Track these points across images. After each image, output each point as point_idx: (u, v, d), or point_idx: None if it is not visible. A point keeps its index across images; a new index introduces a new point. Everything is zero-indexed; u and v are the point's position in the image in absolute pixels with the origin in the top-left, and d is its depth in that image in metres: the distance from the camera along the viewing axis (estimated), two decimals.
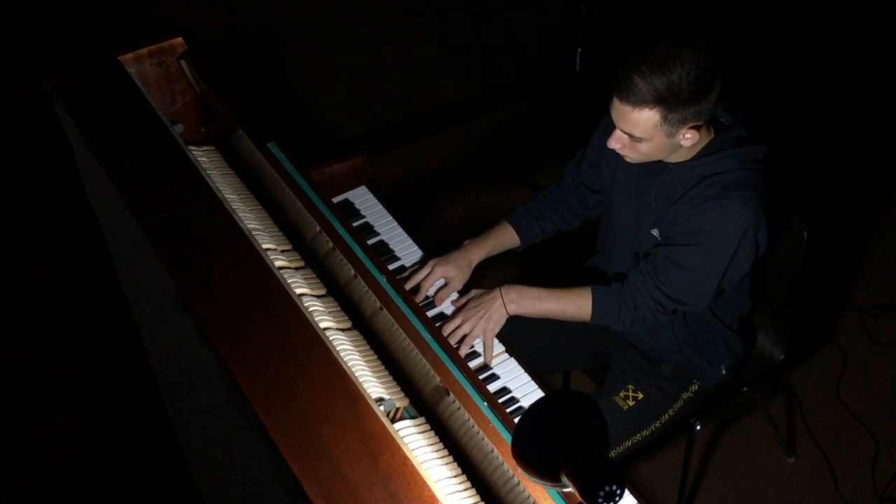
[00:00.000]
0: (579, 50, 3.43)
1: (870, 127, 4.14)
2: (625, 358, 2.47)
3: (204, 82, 2.33)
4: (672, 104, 1.97)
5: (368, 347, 1.92)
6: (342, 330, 1.92)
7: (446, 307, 2.32)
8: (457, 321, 2.21)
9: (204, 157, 2.30)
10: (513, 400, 2.14)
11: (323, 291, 2.01)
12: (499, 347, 2.24)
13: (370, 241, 2.44)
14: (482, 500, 1.69)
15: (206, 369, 1.77)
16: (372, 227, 2.51)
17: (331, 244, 2.04)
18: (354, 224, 2.46)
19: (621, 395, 2.41)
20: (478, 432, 1.69)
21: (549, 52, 4.41)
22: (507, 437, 1.67)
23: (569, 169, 2.46)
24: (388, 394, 1.81)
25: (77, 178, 2.42)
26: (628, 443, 2.40)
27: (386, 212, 2.55)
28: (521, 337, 2.35)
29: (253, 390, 1.61)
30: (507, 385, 2.17)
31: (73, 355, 3.26)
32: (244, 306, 1.78)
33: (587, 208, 2.47)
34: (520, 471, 1.44)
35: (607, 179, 2.34)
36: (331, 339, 1.80)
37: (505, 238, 2.42)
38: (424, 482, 1.53)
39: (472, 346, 2.22)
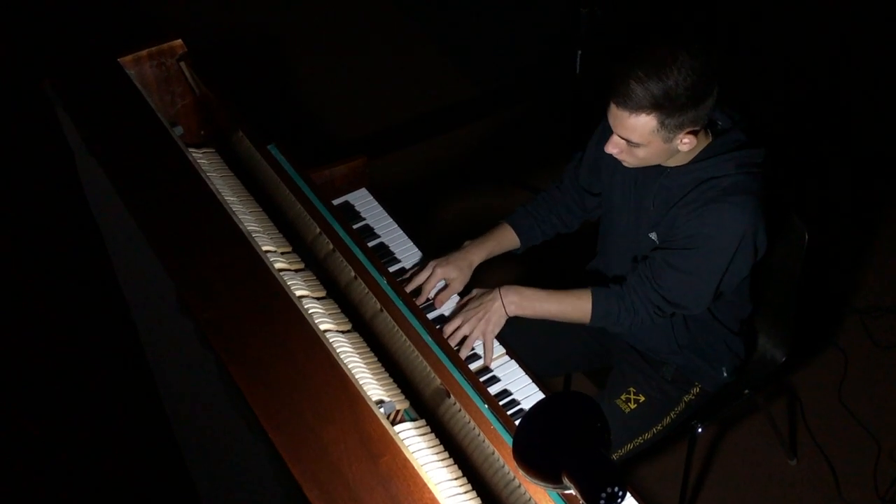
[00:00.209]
0: (580, 52, 3.42)
1: (871, 128, 4.13)
2: (626, 360, 2.47)
3: (204, 84, 2.33)
4: (669, 109, 1.97)
5: (368, 349, 1.91)
6: (342, 332, 1.91)
7: (447, 309, 2.31)
8: (456, 322, 2.20)
9: (204, 160, 2.30)
10: (514, 402, 2.14)
11: (323, 293, 2.00)
12: (499, 349, 2.23)
13: (370, 244, 2.43)
14: (483, 502, 1.68)
15: (205, 371, 1.77)
16: (372, 229, 2.50)
17: (331, 246, 2.04)
18: (354, 226, 2.45)
19: (623, 397, 2.41)
20: (479, 434, 1.69)
21: (549, 54, 4.41)
22: (508, 440, 1.66)
23: (567, 171, 2.46)
24: (389, 396, 1.80)
25: (77, 181, 2.41)
26: (630, 445, 2.40)
27: (386, 214, 2.55)
28: (521, 339, 2.35)
29: (252, 392, 1.61)
30: (508, 387, 2.17)
31: (72, 357, 3.26)
32: (244, 308, 1.78)
33: (586, 211, 2.47)
34: (521, 473, 1.43)
35: (606, 182, 2.33)
36: (331, 341, 1.80)
37: (505, 239, 2.42)
38: (425, 484, 1.53)
39: (473, 349, 2.21)
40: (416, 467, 1.55)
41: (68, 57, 4.29)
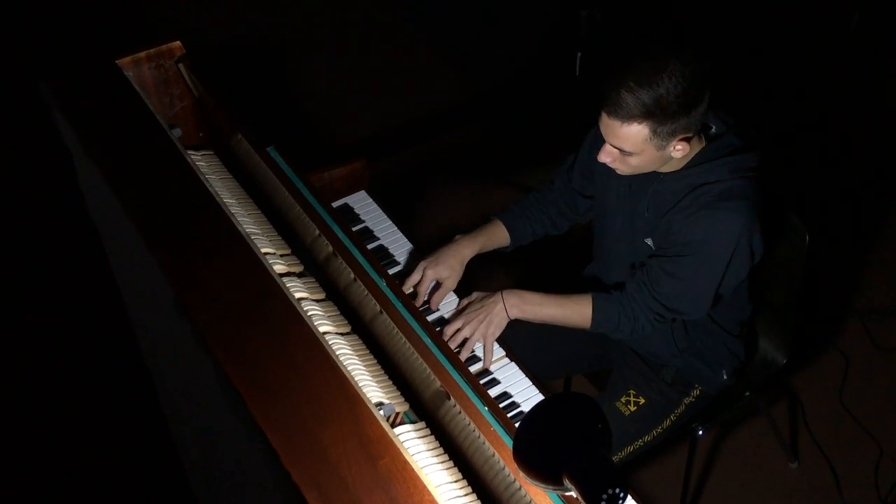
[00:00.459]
0: (579, 54, 3.43)
1: (872, 129, 4.13)
2: (626, 363, 2.46)
3: (202, 86, 2.32)
4: (661, 118, 1.96)
5: (368, 352, 1.91)
6: (341, 334, 1.90)
7: (446, 310, 2.30)
8: (457, 324, 2.19)
9: (202, 162, 2.29)
10: (514, 405, 2.13)
11: (322, 296, 1.99)
12: (499, 352, 2.23)
13: (370, 246, 2.42)
14: None
15: (203, 373, 1.76)
16: (371, 231, 2.49)
17: (330, 248, 2.03)
18: (354, 229, 2.45)
19: (623, 400, 2.40)
20: (479, 437, 1.68)
21: (548, 56, 4.41)
22: (508, 442, 1.65)
23: (559, 173, 2.45)
24: (388, 398, 1.79)
25: (75, 183, 2.41)
26: (630, 448, 2.39)
27: (385, 216, 2.54)
28: (521, 342, 2.34)
29: (251, 394, 1.60)
30: (508, 390, 2.16)
31: (70, 360, 3.26)
32: (242, 310, 1.77)
33: (577, 213, 2.47)
34: (521, 474, 1.42)
35: (600, 186, 2.33)
36: (330, 343, 1.79)
37: (496, 236, 2.41)
38: (425, 487, 1.52)
39: (472, 351, 2.20)
40: (416, 469, 1.54)
41: (66, 58, 4.29)
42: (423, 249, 2.44)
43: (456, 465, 1.72)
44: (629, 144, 2.01)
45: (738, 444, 3.03)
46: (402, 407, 1.80)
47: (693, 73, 1.95)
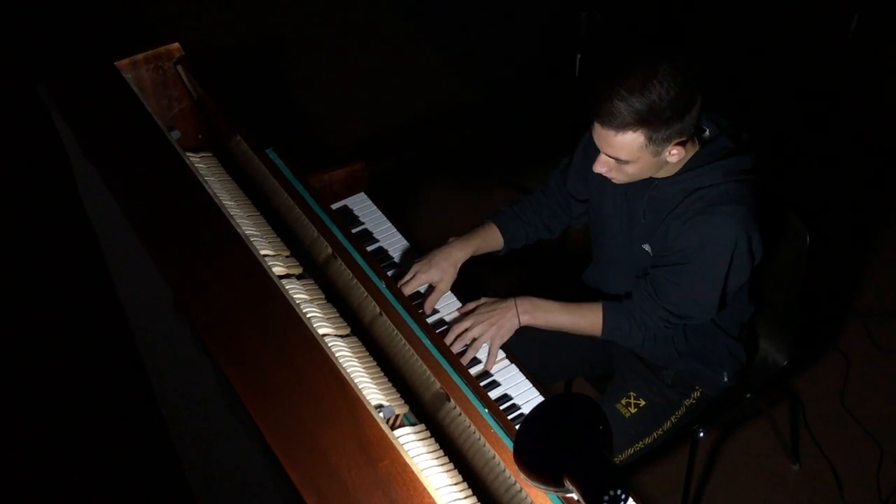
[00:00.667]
0: (579, 55, 3.43)
1: (873, 129, 4.13)
2: (626, 365, 2.45)
3: (201, 87, 2.31)
4: (655, 124, 1.96)
5: (367, 354, 1.90)
6: (341, 336, 1.90)
7: (446, 313, 2.29)
8: (466, 323, 2.19)
9: (201, 164, 2.28)
10: (514, 407, 2.12)
11: (322, 298, 1.99)
12: (500, 354, 2.22)
13: (369, 248, 2.42)
14: None
15: (202, 375, 1.75)
16: (371, 233, 2.49)
17: (330, 250, 2.03)
18: (353, 231, 2.44)
19: (623, 402, 2.40)
20: (479, 438, 1.67)
21: (548, 57, 4.40)
22: (508, 444, 1.65)
23: (554, 177, 2.45)
24: (388, 400, 1.78)
25: (73, 185, 2.40)
26: (631, 450, 2.39)
27: (385, 218, 2.54)
28: (523, 344, 2.33)
29: (250, 396, 1.59)
30: (508, 392, 2.16)
31: (69, 362, 3.25)
32: (241, 312, 1.76)
33: (571, 217, 2.46)
34: (522, 476, 1.41)
35: (595, 191, 2.32)
36: (329, 345, 1.78)
37: (490, 238, 2.41)
38: (425, 489, 1.51)
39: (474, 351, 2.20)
40: (416, 472, 1.54)
41: (65, 60, 4.28)
42: (423, 251, 2.44)
43: (456, 467, 1.71)
44: (625, 153, 2.01)
45: (740, 446, 3.02)
46: (401, 409, 1.80)
47: (684, 77, 1.95)
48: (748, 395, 2.53)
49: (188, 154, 2.23)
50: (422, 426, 1.78)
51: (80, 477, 2.95)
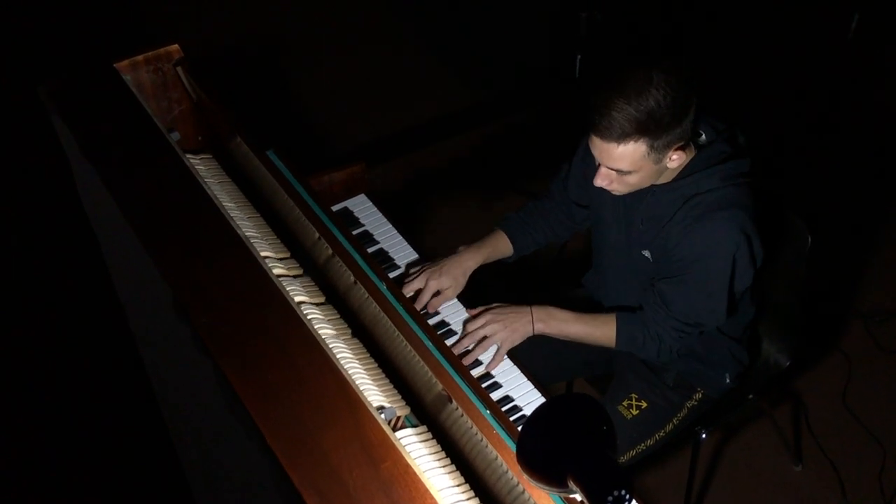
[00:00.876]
0: (579, 56, 3.42)
1: (873, 130, 4.12)
2: (628, 367, 2.45)
3: (201, 89, 2.31)
4: (655, 131, 1.95)
5: (368, 355, 1.89)
6: (342, 338, 1.89)
7: (450, 316, 2.29)
8: (480, 321, 2.19)
9: (201, 166, 2.28)
10: (516, 409, 2.12)
11: (322, 299, 1.98)
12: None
13: (369, 250, 2.41)
14: None
15: (202, 377, 1.74)
16: (371, 235, 2.48)
17: (330, 251, 2.02)
18: (354, 232, 2.44)
19: (625, 403, 2.39)
20: (481, 440, 1.66)
21: (548, 58, 4.40)
22: (511, 445, 1.64)
23: (555, 183, 2.45)
24: (389, 402, 1.78)
25: (73, 187, 2.40)
26: (632, 452, 2.38)
27: (385, 220, 2.53)
28: (524, 345, 2.32)
29: (251, 398, 1.58)
30: (510, 393, 2.15)
31: (69, 363, 3.25)
32: (242, 314, 1.75)
33: (575, 223, 2.46)
34: (525, 477, 1.41)
35: (595, 197, 2.32)
36: (330, 346, 1.78)
37: (500, 246, 2.41)
38: (427, 491, 1.50)
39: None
40: (418, 473, 1.53)
41: (64, 62, 4.28)
42: (423, 253, 2.44)
43: (458, 469, 1.70)
44: (627, 163, 2.00)
45: (742, 448, 3.01)
46: (403, 411, 1.79)
47: (678, 82, 1.94)
48: (750, 396, 2.52)
49: (188, 156, 2.22)
50: (423, 427, 1.77)
51: (80, 477, 2.95)
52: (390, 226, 2.51)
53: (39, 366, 3.25)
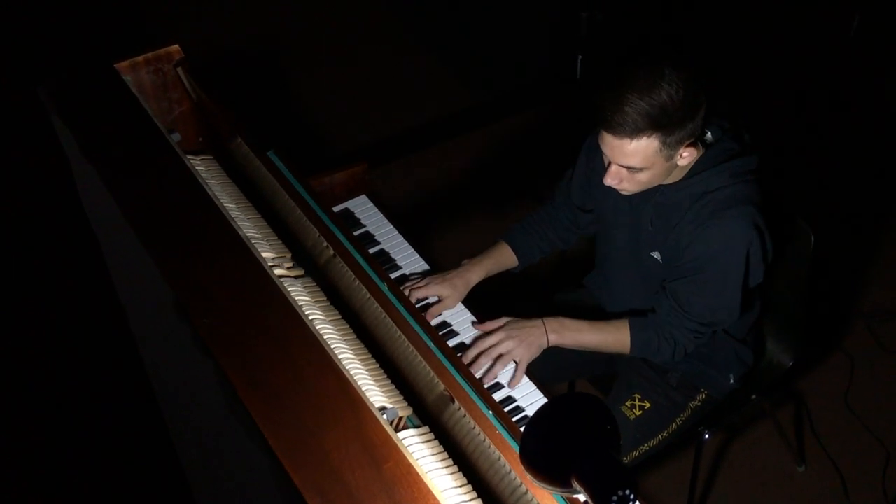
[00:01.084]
0: (580, 57, 3.41)
1: (875, 130, 4.12)
2: (631, 367, 2.44)
3: (201, 90, 2.30)
4: (668, 126, 1.94)
5: (370, 355, 1.89)
6: (343, 338, 1.88)
7: (454, 320, 2.28)
8: (493, 339, 2.16)
9: (202, 167, 2.27)
10: (518, 409, 2.11)
11: (323, 300, 1.97)
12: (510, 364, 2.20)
13: (371, 250, 2.41)
14: None
15: (203, 378, 1.74)
16: (372, 236, 2.48)
17: (332, 252, 2.02)
18: (355, 233, 2.43)
19: (628, 404, 2.38)
20: (484, 440, 1.66)
21: (549, 59, 4.40)
22: (513, 445, 1.64)
23: (559, 189, 2.44)
24: (391, 402, 1.77)
25: (73, 188, 2.39)
26: (635, 453, 2.37)
27: (386, 220, 2.53)
28: None
29: (253, 398, 1.58)
30: (512, 394, 2.14)
31: (69, 364, 3.25)
32: (243, 314, 1.75)
33: (580, 228, 2.45)
34: (528, 477, 1.40)
35: (599, 199, 2.31)
36: (332, 347, 1.77)
37: (503, 258, 2.40)
38: (430, 491, 1.49)
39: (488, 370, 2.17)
40: (420, 474, 1.52)
41: (64, 63, 4.27)
42: (425, 253, 2.43)
43: (461, 470, 1.69)
44: (639, 160, 1.98)
45: (744, 448, 3.01)
46: (405, 411, 1.78)
47: (689, 76, 1.93)
48: (753, 397, 2.51)
49: (189, 157, 2.22)
50: (426, 428, 1.76)
51: (80, 477, 2.94)
52: (391, 226, 2.50)
53: (39, 366, 3.24)
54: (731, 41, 4.52)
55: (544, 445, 1.32)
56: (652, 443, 2.39)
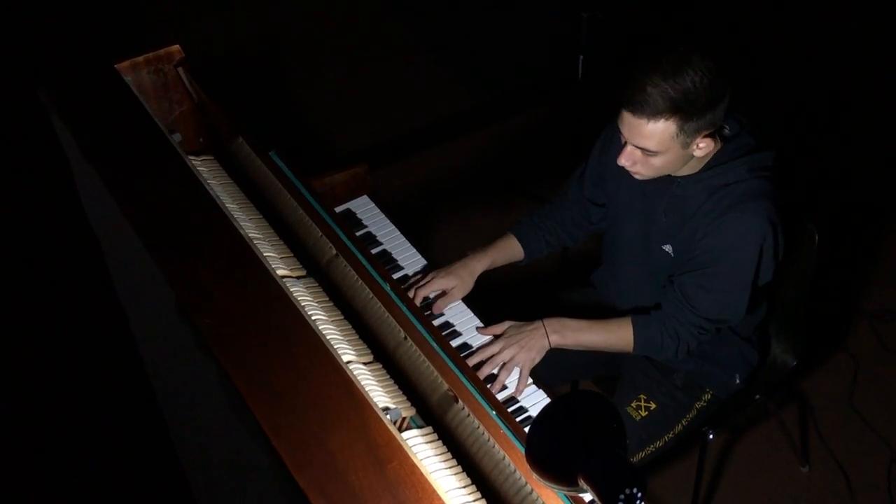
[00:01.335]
0: (581, 57, 3.40)
1: (877, 130, 4.11)
2: (636, 367, 2.43)
3: (202, 90, 2.30)
4: (688, 113, 1.93)
5: (373, 356, 1.88)
6: (346, 339, 1.87)
7: (457, 320, 2.27)
8: (495, 347, 2.15)
9: (203, 167, 2.27)
10: (521, 409, 2.10)
11: (326, 300, 1.97)
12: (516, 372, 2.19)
13: (373, 251, 2.40)
14: None
15: (205, 378, 1.73)
16: (374, 236, 2.47)
17: (334, 252, 2.01)
18: (357, 234, 2.42)
19: (633, 405, 2.37)
20: (488, 440, 1.65)
21: (550, 60, 4.39)
22: (518, 445, 1.63)
23: (571, 184, 2.42)
24: (394, 403, 1.76)
25: (73, 188, 2.39)
26: (641, 454, 2.36)
27: (388, 221, 2.52)
28: None
29: (255, 399, 1.57)
30: (516, 394, 2.13)
31: (69, 365, 3.24)
32: (245, 315, 1.74)
33: (592, 223, 2.44)
34: (534, 476, 1.39)
35: (611, 193, 2.30)
36: (335, 347, 1.76)
37: (509, 250, 2.38)
38: (434, 492, 1.49)
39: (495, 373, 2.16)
40: (424, 474, 1.51)
41: (65, 63, 4.27)
42: (427, 254, 2.42)
43: (465, 470, 1.69)
44: (655, 143, 1.98)
45: (749, 448, 3.00)
46: (408, 412, 1.77)
47: (716, 66, 1.93)
48: (758, 396, 2.50)
49: (190, 157, 2.21)
50: (429, 428, 1.76)
51: (80, 477, 2.93)
52: (393, 227, 2.50)
53: (39, 366, 3.24)
54: (731, 41, 4.52)
55: (550, 444, 1.31)
56: (658, 444, 2.38)
